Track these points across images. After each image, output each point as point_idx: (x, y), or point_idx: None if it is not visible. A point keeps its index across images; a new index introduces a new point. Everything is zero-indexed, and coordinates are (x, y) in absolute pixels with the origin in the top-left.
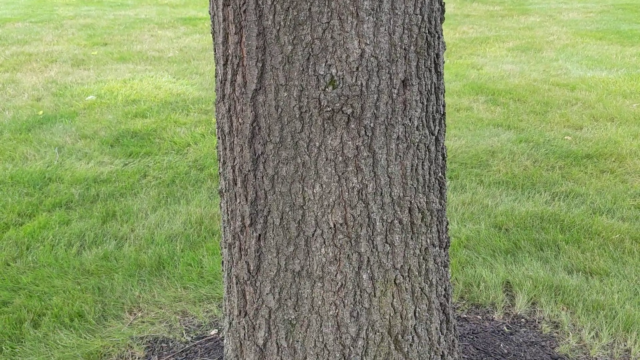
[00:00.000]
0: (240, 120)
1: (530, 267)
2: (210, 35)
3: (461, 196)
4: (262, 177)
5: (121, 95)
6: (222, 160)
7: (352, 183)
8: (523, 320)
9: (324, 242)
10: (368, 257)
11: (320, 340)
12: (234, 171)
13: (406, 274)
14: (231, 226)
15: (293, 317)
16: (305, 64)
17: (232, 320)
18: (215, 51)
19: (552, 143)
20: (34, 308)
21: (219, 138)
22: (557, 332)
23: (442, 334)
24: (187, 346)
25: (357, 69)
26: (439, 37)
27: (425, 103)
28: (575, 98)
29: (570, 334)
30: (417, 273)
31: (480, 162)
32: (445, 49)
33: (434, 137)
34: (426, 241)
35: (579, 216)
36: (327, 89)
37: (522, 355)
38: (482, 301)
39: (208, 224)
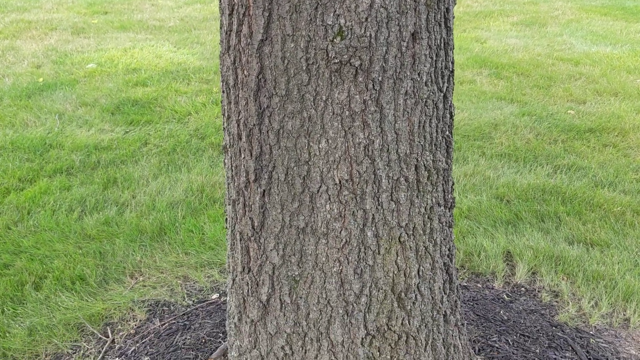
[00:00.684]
0: (245, 72)
1: (531, 238)
2: (211, 5)
3: (463, 168)
4: (268, 132)
5: (122, 63)
6: (226, 114)
7: (359, 138)
8: (523, 289)
9: (329, 199)
10: (373, 215)
11: (324, 296)
12: (238, 125)
13: (411, 232)
14: (235, 182)
15: (297, 273)
16: (313, 13)
17: (236, 276)
18: (220, 1)
19: (555, 117)
20: (35, 271)
21: (223, 92)
22: (556, 301)
23: (445, 293)
24: (188, 309)
25: (366, 19)
26: None
27: (434, 58)
28: (579, 73)
29: (570, 302)
30: (421, 232)
31: (482, 135)
32: (455, 4)
33: (442, 94)
34: (431, 200)
35: (581, 189)
36: (335, 40)
37: (522, 322)
38: (482, 270)
39: (209, 192)
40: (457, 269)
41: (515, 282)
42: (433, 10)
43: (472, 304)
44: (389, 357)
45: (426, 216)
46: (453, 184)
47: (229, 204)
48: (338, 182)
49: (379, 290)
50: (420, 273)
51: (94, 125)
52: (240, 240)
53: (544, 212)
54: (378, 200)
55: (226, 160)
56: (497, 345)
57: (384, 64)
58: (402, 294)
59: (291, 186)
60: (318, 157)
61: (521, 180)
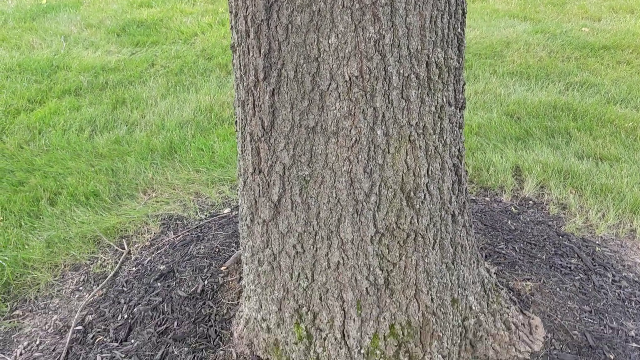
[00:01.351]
0: None
1: (541, 153)
2: None
3: (474, 86)
4: (276, 27)
5: None
6: (233, 11)
7: (369, 33)
8: (531, 202)
9: (339, 96)
10: (383, 113)
11: (334, 195)
12: (246, 22)
13: (421, 131)
14: (244, 82)
15: (307, 173)
16: None
17: (247, 178)
18: None
19: (568, 34)
20: (50, 187)
21: None
22: (564, 213)
23: (454, 194)
24: (201, 223)
25: None
26: None
27: None
28: None
29: (577, 214)
30: (431, 131)
31: (494, 53)
32: None
33: None
34: (442, 99)
35: (593, 105)
36: None
37: (529, 231)
38: (491, 184)
39: (218, 112)
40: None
41: (523, 195)
42: None
43: (480, 215)
44: (397, 254)
45: (436, 115)
46: (464, 84)
47: (238, 106)
48: (348, 79)
49: (388, 189)
50: (430, 173)
51: (100, 46)
52: (251, 141)
53: (554, 128)
54: (388, 98)
55: (234, 60)
56: (504, 252)
57: None
58: (411, 193)
59: (300, 84)
60: (327, 53)
61: (532, 97)
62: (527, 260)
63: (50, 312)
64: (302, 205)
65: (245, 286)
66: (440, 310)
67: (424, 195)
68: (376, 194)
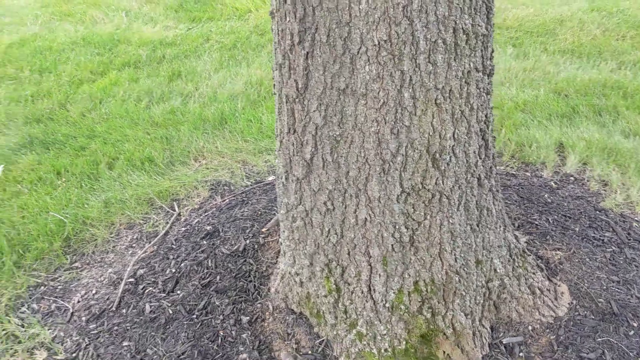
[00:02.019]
0: None
1: (586, 130)
2: None
3: (523, 63)
4: None
5: None
6: None
7: None
8: (572, 178)
9: (368, 60)
10: (410, 76)
11: (362, 155)
12: None
13: (447, 94)
14: (281, 46)
15: (338, 133)
16: None
17: (283, 138)
18: None
19: (625, 12)
20: (109, 152)
21: None
22: (604, 190)
23: (480, 158)
24: (246, 189)
25: None
26: None
27: None
28: None
29: (618, 191)
30: (458, 95)
31: (546, 31)
32: None
33: None
34: (469, 64)
35: None
36: None
37: (566, 205)
38: (532, 160)
39: (268, 85)
40: (508, 159)
41: (564, 171)
42: None
43: (517, 188)
44: (422, 213)
45: (463, 80)
46: (492, 52)
47: (276, 69)
48: (377, 43)
49: (414, 150)
50: (456, 136)
51: (158, 22)
52: (286, 102)
53: (602, 106)
54: (415, 62)
55: (273, 26)
56: (537, 222)
57: None
58: (437, 154)
59: (332, 48)
60: (358, 17)
61: (582, 75)
62: (559, 232)
63: (105, 266)
64: (332, 164)
65: (281, 243)
66: (464, 270)
67: (450, 157)
68: (403, 155)
